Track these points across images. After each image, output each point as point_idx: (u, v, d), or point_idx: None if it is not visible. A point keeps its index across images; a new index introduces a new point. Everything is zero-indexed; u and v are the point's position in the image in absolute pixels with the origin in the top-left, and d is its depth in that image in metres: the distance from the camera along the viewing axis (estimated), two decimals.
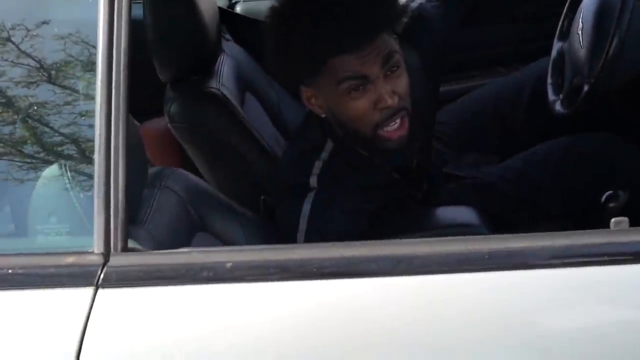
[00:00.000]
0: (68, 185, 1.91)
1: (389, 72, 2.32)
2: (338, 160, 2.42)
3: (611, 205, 2.53)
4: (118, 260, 1.86)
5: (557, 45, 2.88)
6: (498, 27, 3.19)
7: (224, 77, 2.69)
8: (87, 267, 1.85)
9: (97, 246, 1.86)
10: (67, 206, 1.92)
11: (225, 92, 2.62)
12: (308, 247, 1.90)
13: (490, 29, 3.13)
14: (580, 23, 2.71)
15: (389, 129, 2.34)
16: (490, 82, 3.09)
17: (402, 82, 2.35)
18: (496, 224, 2.52)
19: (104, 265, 1.85)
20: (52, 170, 1.99)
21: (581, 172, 2.69)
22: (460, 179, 2.75)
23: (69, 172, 1.97)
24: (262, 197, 2.53)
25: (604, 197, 2.55)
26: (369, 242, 1.83)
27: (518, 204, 2.67)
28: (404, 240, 1.90)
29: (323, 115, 2.42)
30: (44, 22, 2.04)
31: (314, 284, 1.79)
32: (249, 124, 2.63)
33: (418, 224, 2.55)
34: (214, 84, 2.62)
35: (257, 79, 2.87)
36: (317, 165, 2.42)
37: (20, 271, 1.85)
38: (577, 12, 2.76)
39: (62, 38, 1.98)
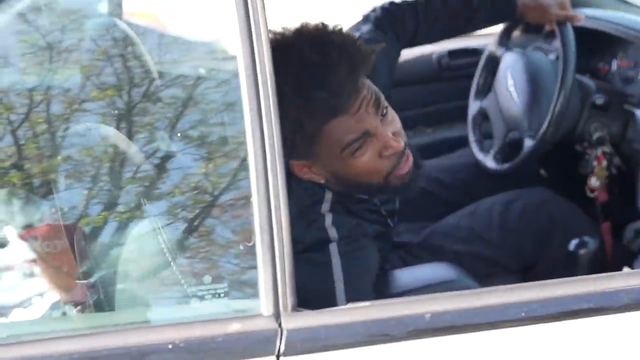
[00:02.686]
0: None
1: (382, 117, 2.07)
2: (341, 209, 2.15)
3: (581, 252, 2.46)
4: (293, 322, 1.47)
5: (475, 104, 2.78)
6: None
7: None
8: (260, 333, 1.45)
9: (266, 307, 1.47)
10: (219, 262, 1.50)
11: None
12: (506, 289, 1.60)
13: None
14: (511, 80, 2.64)
15: (398, 169, 2.08)
16: None
17: (396, 120, 2.10)
18: None
19: (280, 329, 1.47)
20: (145, 226, 1.57)
21: (524, 226, 2.58)
22: (406, 245, 2.54)
23: (162, 230, 1.55)
24: None
25: (572, 245, 2.47)
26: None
27: (473, 260, 2.51)
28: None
29: (322, 181, 2.13)
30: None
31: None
32: None
33: (398, 283, 2.33)
34: None
35: None
36: (328, 218, 2.12)
37: (182, 345, 1.42)
38: (501, 69, 2.69)
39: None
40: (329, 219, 2.11)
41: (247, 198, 1.48)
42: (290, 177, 2.17)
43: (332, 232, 2.10)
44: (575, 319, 1.53)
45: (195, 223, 1.55)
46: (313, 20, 2.06)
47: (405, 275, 2.35)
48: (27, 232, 1.67)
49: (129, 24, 2.46)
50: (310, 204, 2.13)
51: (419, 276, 2.35)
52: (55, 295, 1.63)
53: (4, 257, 1.67)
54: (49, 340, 1.44)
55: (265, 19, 1.55)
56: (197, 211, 1.57)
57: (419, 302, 1.51)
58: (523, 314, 1.52)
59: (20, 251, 1.67)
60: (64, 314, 1.59)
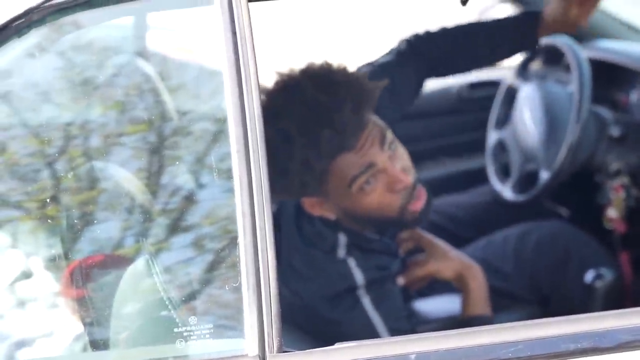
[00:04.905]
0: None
1: (390, 151, 2.04)
2: (357, 252, 2.11)
3: (598, 284, 2.40)
4: None
5: (493, 135, 2.74)
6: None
7: None
8: None
9: (251, 348, 1.44)
10: (205, 303, 1.48)
11: None
12: (494, 328, 1.56)
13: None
14: (528, 112, 2.59)
15: (411, 205, 2.05)
16: None
17: (405, 155, 2.07)
18: None
19: None
20: (139, 265, 1.55)
21: (539, 257, 2.52)
22: None
23: (156, 266, 1.53)
24: None
25: (589, 277, 2.41)
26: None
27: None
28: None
29: (333, 218, 2.09)
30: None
31: None
32: None
33: (420, 314, 2.30)
34: None
35: None
36: (351, 262, 2.09)
37: None
38: (519, 101, 2.64)
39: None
40: (352, 263, 2.08)
41: (234, 239, 1.46)
42: (302, 218, 2.15)
43: (359, 276, 2.07)
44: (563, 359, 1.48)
45: (186, 263, 1.53)
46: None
47: (426, 306, 2.32)
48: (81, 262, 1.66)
49: (162, 58, 2.47)
50: (328, 250, 2.10)
51: (439, 307, 2.32)
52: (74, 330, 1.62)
53: (29, 288, 1.66)
54: None
55: (255, 62, 1.52)
56: (188, 252, 1.55)
57: (405, 343, 1.45)
58: (510, 355, 1.47)
59: (45, 282, 1.67)
60: (83, 349, 1.57)
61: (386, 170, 2.03)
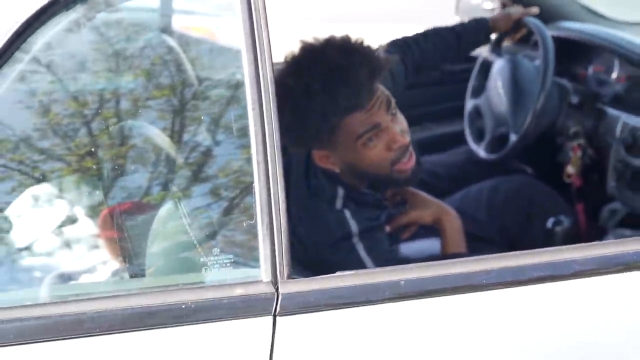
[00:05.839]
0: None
1: (392, 115, 2.19)
2: (352, 204, 2.25)
3: (557, 229, 2.55)
4: (288, 287, 1.57)
5: (470, 102, 2.88)
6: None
7: None
8: (260, 296, 1.56)
9: (265, 275, 1.58)
10: (227, 237, 1.61)
11: None
12: (471, 260, 1.71)
13: None
14: (500, 82, 2.73)
15: (402, 163, 2.20)
16: None
17: (403, 120, 2.22)
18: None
19: (276, 294, 1.58)
20: (169, 208, 1.68)
21: (508, 207, 2.68)
22: None
23: (183, 207, 1.67)
24: None
25: (549, 223, 2.56)
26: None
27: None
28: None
29: (337, 170, 2.24)
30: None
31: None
32: None
33: (406, 254, 2.44)
34: None
35: None
36: (347, 213, 2.23)
37: (192, 306, 1.53)
38: (493, 73, 2.78)
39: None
40: (347, 214, 2.23)
41: (249, 185, 1.59)
42: (310, 171, 2.28)
43: (354, 226, 2.22)
44: (528, 285, 1.63)
45: (209, 205, 1.66)
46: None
47: (410, 249, 2.46)
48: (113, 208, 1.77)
49: (183, 35, 2.57)
50: (329, 200, 2.24)
51: (421, 250, 2.45)
52: (112, 264, 1.74)
53: (75, 231, 1.77)
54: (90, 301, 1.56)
55: (269, 32, 1.63)
56: (210, 196, 1.68)
57: (395, 271, 1.61)
58: (484, 281, 1.61)
59: (88, 226, 1.78)
60: (122, 278, 1.69)
61: (388, 130, 2.18)
